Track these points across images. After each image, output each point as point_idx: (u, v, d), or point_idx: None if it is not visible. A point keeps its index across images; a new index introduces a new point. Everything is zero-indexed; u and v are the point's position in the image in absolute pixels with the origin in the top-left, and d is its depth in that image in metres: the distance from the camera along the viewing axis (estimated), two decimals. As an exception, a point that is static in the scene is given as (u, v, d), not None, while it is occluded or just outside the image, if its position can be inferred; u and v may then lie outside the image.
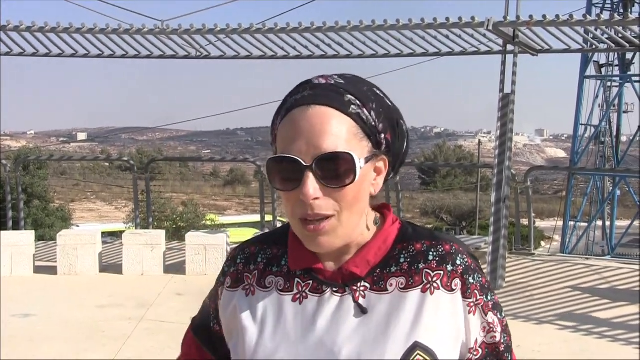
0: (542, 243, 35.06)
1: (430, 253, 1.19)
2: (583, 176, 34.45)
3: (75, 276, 8.69)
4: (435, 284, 1.16)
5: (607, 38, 9.63)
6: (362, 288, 1.18)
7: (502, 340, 1.19)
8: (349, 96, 1.13)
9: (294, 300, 1.20)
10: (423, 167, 47.56)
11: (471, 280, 1.17)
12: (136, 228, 11.37)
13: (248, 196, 55.69)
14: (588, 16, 9.00)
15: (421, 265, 1.18)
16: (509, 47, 8.57)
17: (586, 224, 33.02)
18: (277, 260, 1.25)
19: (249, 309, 1.22)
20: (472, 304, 1.17)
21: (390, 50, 9.90)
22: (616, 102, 32.91)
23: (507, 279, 8.20)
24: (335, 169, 1.10)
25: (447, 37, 9.35)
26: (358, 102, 1.13)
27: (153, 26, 9.71)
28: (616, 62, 32.14)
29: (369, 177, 1.16)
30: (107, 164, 67.23)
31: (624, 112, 33.80)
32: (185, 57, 10.57)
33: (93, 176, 65.29)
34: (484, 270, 1.30)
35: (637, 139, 33.14)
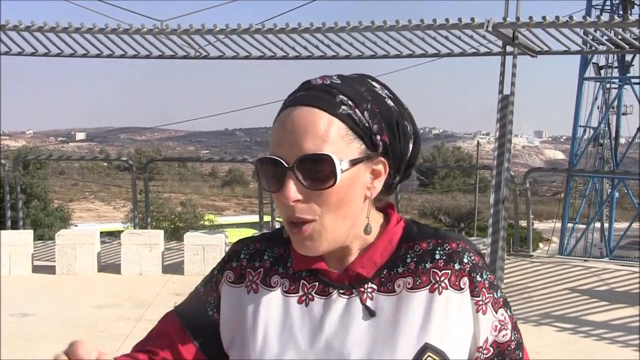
0: (541, 245, 35.11)
1: (437, 252, 1.17)
2: (582, 178, 34.44)
3: (73, 276, 8.68)
4: (443, 284, 1.15)
5: (606, 39, 9.65)
6: (369, 290, 1.16)
7: (512, 338, 1.18)
8: (341, 96, 1.11)
9: (299, 302, 1.18)
10: (421, 168, 47.44)
11: (479, 278, 1.16)
12: (134, 228, 11.37)
13: (246, 196, 55.74)
14: (588, 17, 9.01)
15: (428, 265, 1.16)
16: (509, 49, 8.58)
17: (584, 226, 33.04)
18: (283, 261, 1.23)
19: (253, 308, 1.20)
20: (480, 302, 1.15)
21: (389, 51, 9.91)
22: (615, 103, 32.93)
23: (505, 281, 8.20)
24: (316, 171, 1.08)
25: (446, 38, 9.35)
26: (350, 102, 1.11)
27: (152, 26, 9.71)
28: (615, 64, 32.18)
29: (361, 180, 1.13)
30: (106, 164, 67.16)
31: (623, 114, 33.84)
32: (184, 57, 10.57)
33: (91, 176, 65.30)
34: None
35: (636, 141, 33.20)
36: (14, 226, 10.44)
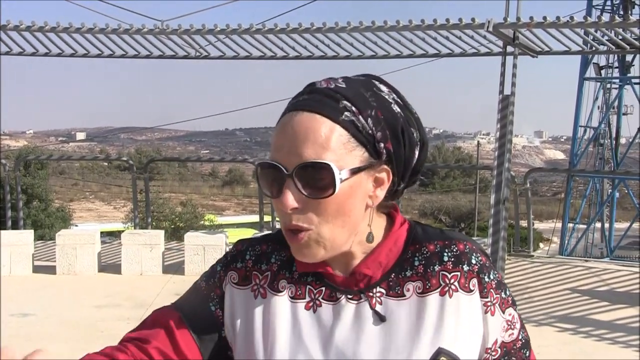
0: (541, 245, 35.13)
1: (445, 254, 1.15)
2: (582, 178, 34.48)
3: (74, 276, 8.68)
4: (453, 286, 1.13)
5: (607, 40, 9.65)
6: (378, 294, 1.14)
7: (520, 337, 1.17)
8: (345, 102, 1.07)
9: (307, 308, 1.16)
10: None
11: (487, 279, 1.14)
12: (135, 228, 11.37)
13: (246, 196, 55.78)
14: (588, 18, 9.00)
15: (437, 267, 1.14)
16: (509, 49, 8.57)
17: (585, 226, 33.05)
18: (289, 265, 1.20)
19: (261, 313, 1.17)
20: (489, 303, 1.14)
21: (389, 51, 9.91)
22: (615, 104, 32.95)
23: (505, 281, 8.15)
24: (315, 180, 1.05)
25: (447, 38, 9.35)
26: (354, 108, 1.07)
27: (153, 26, 9.71)
28: (616, 64, 32.22)
29: (363, 189, 1.09)
30: (106, 164, 67.16)
31: (624, 114, 33.86)
32: (185, 57, 10.57)
33: (92, 176, 65.31)
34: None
35: (637, 141, 33.20)
36: (15, 226, 10.44)
